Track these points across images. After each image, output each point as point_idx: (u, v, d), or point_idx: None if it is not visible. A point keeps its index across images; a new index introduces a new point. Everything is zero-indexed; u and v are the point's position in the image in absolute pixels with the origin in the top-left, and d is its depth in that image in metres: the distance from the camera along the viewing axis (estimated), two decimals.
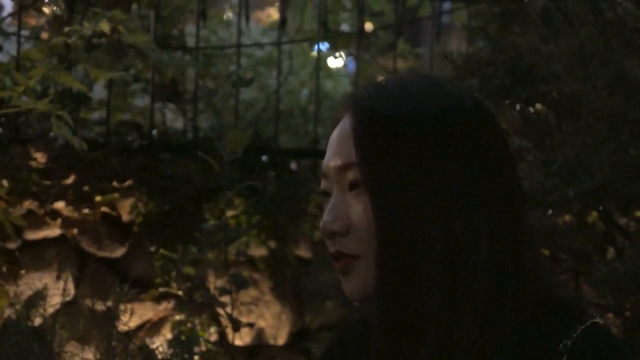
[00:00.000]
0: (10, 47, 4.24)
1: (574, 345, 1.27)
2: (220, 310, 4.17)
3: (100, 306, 3.64)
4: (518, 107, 3.04)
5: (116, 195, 4.14)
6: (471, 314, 1.26)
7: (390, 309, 1.27)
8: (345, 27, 6.04)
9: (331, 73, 5.90)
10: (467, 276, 1.26)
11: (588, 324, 1.29)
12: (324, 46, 5.28)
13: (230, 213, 4.23)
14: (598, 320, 1.30)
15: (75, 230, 4.03)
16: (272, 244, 4.49)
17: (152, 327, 4.22)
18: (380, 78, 1.44)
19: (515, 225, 1.30)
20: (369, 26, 5.54)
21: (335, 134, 1.36)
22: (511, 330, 1.27)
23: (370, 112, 1.32)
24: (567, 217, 3.10)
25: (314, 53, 5.08)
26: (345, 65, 6.02)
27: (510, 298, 1.28)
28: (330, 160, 1.34)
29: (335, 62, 5.93)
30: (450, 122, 1.30)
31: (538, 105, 3.07)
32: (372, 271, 1.29)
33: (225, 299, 4.16)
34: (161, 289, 4.17)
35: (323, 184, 1.36)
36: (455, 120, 1.31)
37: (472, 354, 1.26)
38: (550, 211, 2.93)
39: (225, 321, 4.24)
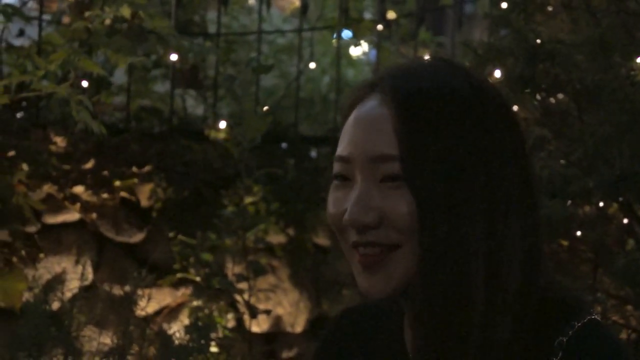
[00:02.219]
0: (32, 31, 4.25)
1: (569, 342, 1.26)
2: (238, 297, 4.18)
3: (118, 291, 3.65)
4: (538, 96, 3.02)
5: (135, 180, 4.14)
6: (507, 310, 1.25)
7: (436, 302, 1.24)
8: (367, 15, 6.02)
9: (353, 61, 5.88)
10: (505, 271, 1.25)
11: (585, 320, 1.27)
12: (347, 34, 5.27)
13: (248, 200, 4.23)
14: (595, 316, 1.29)
15: (94, 215, 4.03)
16: (291, 231, 4.49)
17: (170, 312, 4.23)
18: (401, 62, 1.41)
19: (538, 212, 1.30)
20: (391, 14, 5.52)
21: (361, 116, 1.29)
22: (520, 326, 1.26)
23: (411, 99, 1.26)
24: (587, 208, 3.08)
25: (336, 41, 5.07)
26: (366, 53, 6.00)
27: (529, 293, 1.27)
28: (360, 147, 1.27)
29: (357, 50, 5.92)
30: (485, 106, 1.28)
31: (559, 95, 3.05)
32: (411, 262, 1.25)
33: (243, 285, 4.17)
34: (179, 275, 4.18)
35: (341, 168, 1.29)
36: (488, 103, 1.28)
37: (505, 349, 1.25)
38: (569, 202, 2.91)
39: (242, 308, 4.25)
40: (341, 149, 1.29)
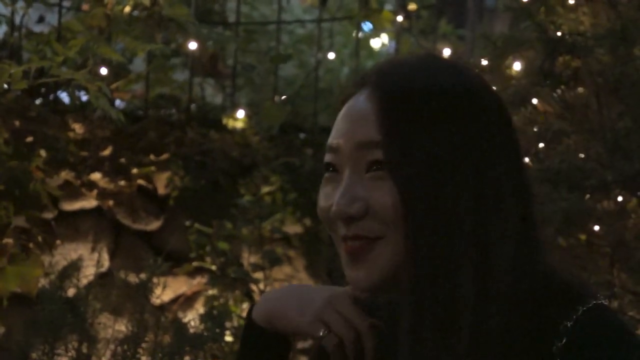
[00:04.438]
0: (52, 18, 4.26)
1: (574, 326, 1.24)
2: (254, 286, 4.18)
3: (134, 279, 3.65)
4: (558, 89, 3.01)
5: (153, 168, 4.14)
6: (499, 298, 1.24)
7: (423, 293, 1.23)
8: (388, 7, 6.00)
9: (373, 52, 5.87)
10: (495, 258, 1.24)
11: (590, 305, 1.26)
12: (368, 26, 5.25)
13: (266, 189, 4.23)
14: (602, 301, 1.27)
15: (111, 202, 4.03)
16: (307, 221, 4.48)
17: (185, 301, 4.23)
18: (393, 56, 1.43)
19: (532, 206, 1.30)
20: (411, 6, 5.50)
21: (349, 109, 1.31)
22: (520, 313, 1.25)
23: (395, 89, 1.28)
24: (606, 203, 3.06)
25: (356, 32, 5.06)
26: (385, 44, 5.98)
27: (526, 281, 1.26)
28: (346, 136, 1.29)
29: (378, 42, 5.90)
30: (474, 99, 1.28)
31: (579, 88, 3.04)
32: (393, 254, 1.25)
33: (259, 275, 4.16)
34: (195, 264, 4.18)
35: (330, 158, 1.31)
36: (478, 98, 1.28)
37: (499, 338, 1.23)
38: (588, 196, 2.89)
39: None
40: (330, 140, 1.32)
